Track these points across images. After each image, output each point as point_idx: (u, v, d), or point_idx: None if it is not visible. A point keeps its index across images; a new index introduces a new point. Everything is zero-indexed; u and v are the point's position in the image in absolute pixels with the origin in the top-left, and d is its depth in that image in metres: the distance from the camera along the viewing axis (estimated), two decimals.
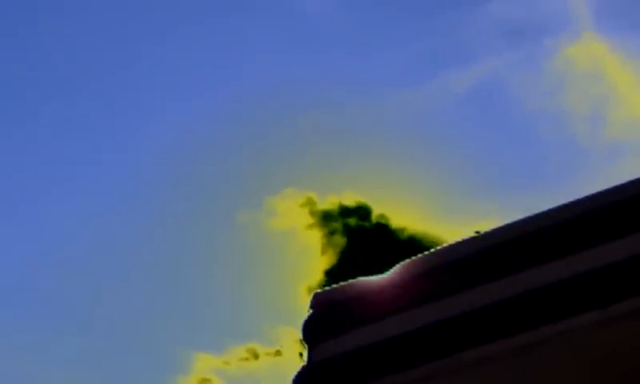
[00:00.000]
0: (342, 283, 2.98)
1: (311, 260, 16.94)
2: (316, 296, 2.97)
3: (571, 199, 2.83)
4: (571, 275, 2.68)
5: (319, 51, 16.59)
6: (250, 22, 15.79)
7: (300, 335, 2.95)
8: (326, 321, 2.94)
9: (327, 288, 3.00)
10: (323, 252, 16.53)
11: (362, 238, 16.29)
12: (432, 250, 2.91)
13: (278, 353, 16.41)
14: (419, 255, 2.90)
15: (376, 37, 16.04)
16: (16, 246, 16.25)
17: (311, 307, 2.97)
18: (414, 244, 15.28)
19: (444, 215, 16.18)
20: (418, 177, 16.31)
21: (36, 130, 15.81)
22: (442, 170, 16.19)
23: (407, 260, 2.90)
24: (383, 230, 16.12)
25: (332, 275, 15.92)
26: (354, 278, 3.00)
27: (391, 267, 2.91)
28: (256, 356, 16.21)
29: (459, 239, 2.87)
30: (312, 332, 2.95)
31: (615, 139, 16.03)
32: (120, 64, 15.73)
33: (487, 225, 2.92)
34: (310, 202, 16.48)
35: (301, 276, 17.18)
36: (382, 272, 2.94)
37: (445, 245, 2.89)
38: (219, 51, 16.39)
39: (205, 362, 16.45)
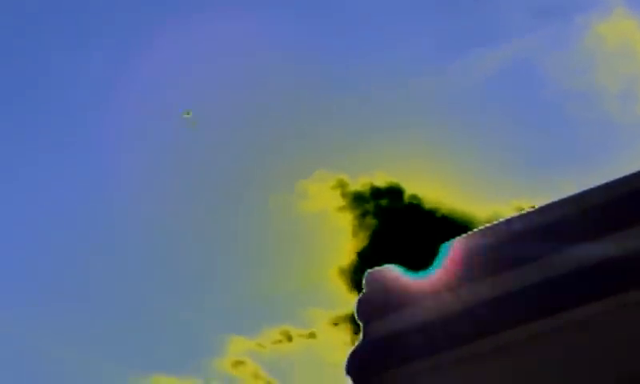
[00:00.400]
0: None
1: (343, 242, 17.00)
2: (370, 275, 3.03)
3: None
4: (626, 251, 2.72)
5: (349, 34, 16.60)
6: (279, 6, 15.82)
7: (354, 313, 3.01)
8: (380, 299, 3.00)
9: (380, 267, 3.06)
10: (355, 234, 16.58)
11: (393, 219, 16.31)
12: (481, 227, 2.96)
13: (311, 335, 16.49)
14: (468, 233, 2.95)
15: (405, 18, 16.04)
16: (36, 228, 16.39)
17: (365, 286, 3.03)
18: (447, 223, 15.27)
19: (476, 194, 16.19)
20: (449, 156, 16.31)
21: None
22: (472, 150, 16.19)
23: (458, 238, 2.96)
24: (416, 209, 16.13)
25: (364, 257, 15.98)
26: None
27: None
28: (289, 338, 16.30)
29: (509, 216, 2.92)
30: (366, 310, 3.01)
31: None
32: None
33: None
34: (341, 184, 16.51)
35: (333, 258, 17.25)
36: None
37: (495, 222, 2.94)
38: (247, 36, 16.43)
39: (239, 345, 16.57)
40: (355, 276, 15.69)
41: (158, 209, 16.65)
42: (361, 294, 3.03)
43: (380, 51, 16.26)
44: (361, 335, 2.98)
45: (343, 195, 16.58)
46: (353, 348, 2.98)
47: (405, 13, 16.12)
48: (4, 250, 16.29)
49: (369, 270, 3.05)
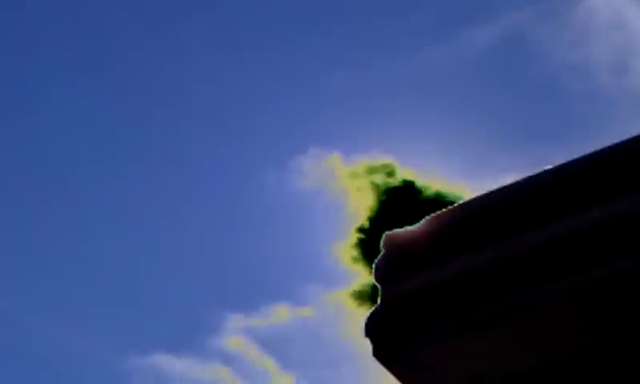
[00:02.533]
0: (413, 225, 3.03)
1: (340, 219, 17.01)
2: (388, 236, 3.03)
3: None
4: (606, 219, 2.73)
5: (344, 11, 16.57)
6: None
7: (372, 276, 3.01)
8: (398, 261, 3.00)
9: (398, 229, 3.06)
10: (352, 210, 16.60)
11: (389, 196, 16.34)
12: (498, 187, 2.96)
13: (309, 312, 16.52)
14: (488, 191, 2.95)
15: None
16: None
17: (382, 247, 3.03)
18: (439, 201, 15.31)
19: (469, 171, 16.21)
20: (443, 134, 16.32)
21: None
22: (467, 126, 16.20)
23: (474, 197, 2.97)
24: (410, 187, 16.16)
25: (361, 233, 15.99)
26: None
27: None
28: (287, 315, 16.33)
29: (525, 175, 2.93)
30: (384, 272, 3.01)
31: (639, 89, 15.98)
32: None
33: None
34: (335, 162, 16.52)
35: (330, 235, 17.26)
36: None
37: (510, 182, 2.94)
38: (246, 9, 16.38)
39: (236, 322, 16.60)
40: (352, 252, 15.71)
41: (153, 184, 16.63)
42: (378, 256, 3.03)
43: (376, 29, 16.24)
44: (379, 298, 2.99)
45: (338, 172, 16.60)
46: (371, 310, 2.98)
47: None
48: None
49: (386, 232, 3.05)
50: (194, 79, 16.62)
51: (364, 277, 16.12)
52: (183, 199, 16.97)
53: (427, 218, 3.00)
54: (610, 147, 2.88)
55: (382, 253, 3.03)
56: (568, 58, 16.26)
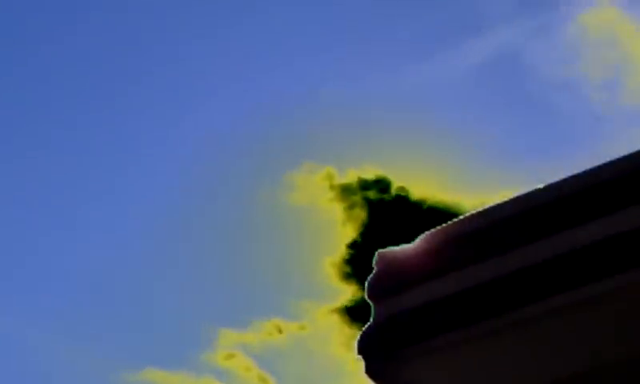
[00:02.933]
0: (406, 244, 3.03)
1: (332, 234, 17.01)
2: (380, 254, 3.03)
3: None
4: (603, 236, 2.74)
5: (334, 25, 16.61)
6: None
7: (365, 293, 3.01)
8: (391, 278, 2.99)
9: (391, 247, 3.05)
10: (344, 225, 16.59)
11: (382, 211, 16.34)
12: (492, 205, 2.96)
13: (302, 327, 16.50)
14: (482, 209, 2.95)
15: (390, 9, 16.04)
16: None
17: (375, 265, 3.03)
18: (433, 215, 15.32)
19: (462, 186, 16.22)
20: (436, 148, 16.34)
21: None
22: (459, 141, 16.22)
23: (470, 214, 2.97)
24: (403, 202, 16.16)
25: (354, 248, 15.99)
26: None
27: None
28: (280, 331, 16.31)
29: (520, 193, 2.93)
30: (376, 290, 3.00)
31: (631, 105, 16.03)
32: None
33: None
34: (328, 176, 16.52)
35: (323, 250, 17.25)
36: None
37: (505, 200, 2.94)
38: (237, 17, 16.40)
39: (229, 338, 16.57)
40: (344, 268, 15.70)
41: (146, 201, 16.62)
42: (371, 274, 3.02)
43: (367, 43, 16.27)
44: (372, 315, 2.98)
45: (331, 187, 16.60)
46: (364, 328, 2.98)
47: (390, 5, 16.13)
48: None
49: (379, 250, 3.04)
50: (187, 90, 16.62)
51: (357, 293, 16.09)
52: (175, 213, 16.95)
53: (420, 236, 3.00)
54: (606, 164, 2.89)
55: (374, 270, 3.03)
56: (560, 74, 16.29)
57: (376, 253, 3.04)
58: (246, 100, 16.49)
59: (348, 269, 16.02)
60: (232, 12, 16.34)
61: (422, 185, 16.45)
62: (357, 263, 16.03)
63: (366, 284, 3.01)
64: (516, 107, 16.79)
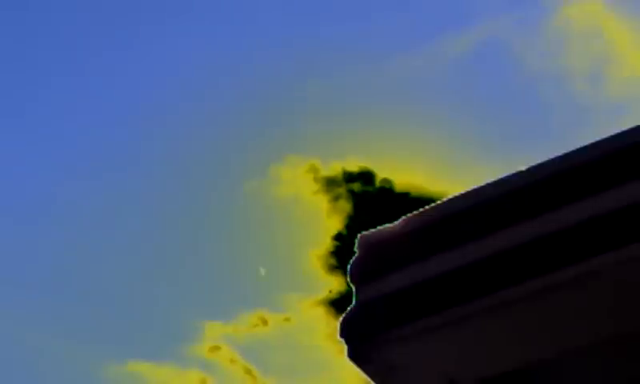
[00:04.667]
0: (388, 224, 3.03)
1: (317, 226, 17.02)
2: (362, 237, 3.03)
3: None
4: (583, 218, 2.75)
5: (317, 17, 16.60)
6: None
7: (347, 277, 3.01)
8: (372, 261, 3.00)
9: (373, 229, 3.06)
10: (329, 218, 16.60)
11: (367, 202, 16.35)
12: (477, 187, 2.97)
13: (286, 319, 16.52)
14: (463, 192, 2.96)
15: (375, 0, 16.04)
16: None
17: (357, 248, 3.03)
18: (418, 206, 15.30)
19: (446, 178, 16.24)
20: (420, 140, 16.36)
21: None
22: (443, 133, 16.24)
23: (450, 197, 2.97)
24: (388, 193, 16.18)
25: (339, 240, 16.00)
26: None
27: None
28: (265, 323, 16.32)
29: (500, 177, 2.93)
30: (358, 273, 3.00)
31: (615, 97, 16.08)
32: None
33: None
34: (313, 169, 16.52)
35: (308, 242, 17.25)
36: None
37: (490, 181, 2.95)
38: (220, 15, 16.38)
39: (215, 330, 16.57)
40: (329, 260, 15.71)
41: (131, 193, 16.59)
42: (353, 258, 3.02)
43: (350, 35, 16.26)
44: (354, 299, 2.98)
45: (316, 180, 16.60)
46: (346, 312, 2.98)
47: None
48: None
49: (361, 233, 3.05)
50: (174, 86, 16.60)
51: (342, 284, 16.11)
52: (160, 206, 16.93)
53: (402, 218, 3.01)
54: (592, 144, 2.89)
55: (356, 253, 3.03)
56: (545, 65, 16.33)
57: (358, 235, 3.04)
58: (230, 94, 16.48)
59: (333, 261, 16.03)
60: (212, 6, 16.33)
61: (407, 176, 16.47)
62: (342, 255, 16.05)
63: (348, 267, 3.02)
64: (501, 98, 16.82)
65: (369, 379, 3.00)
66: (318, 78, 16.27)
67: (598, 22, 15.90)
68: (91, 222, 16.47)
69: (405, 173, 16.66)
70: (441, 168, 16.54)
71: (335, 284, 16.23)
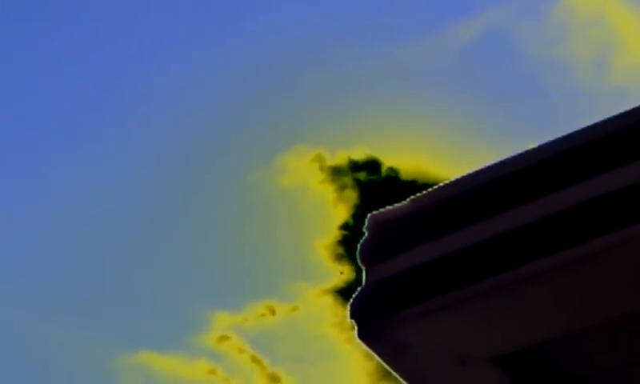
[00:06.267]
0: (398, 203, 3.02)
1: (324, 216, 17.01)
2: (372, 217, 3.02)
3: None
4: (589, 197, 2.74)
5: (323, 6, 16.57)
6: None
7: (357, 257, 2.99)
8: (382, 241, 2.98)
9: (382, 209, 3.04)
10: (336, 207, 16.59)
11: (373, 191, 16.34)
12: (489, 164, 2.95)
13: (294, 308, 16.52)
14: (475, 169, 2.94)
15: None
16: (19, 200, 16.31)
17: (367, 228, 3.02)
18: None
19: (452, 165, 16.22)
20: (425, 129, 16.34)
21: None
22: (448, 121, 16.22)
23: (462, 175, 2.96)
24: (394, 182, 16.16)
25: (346, 229, 15.99)
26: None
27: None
28: (273, 312, 16.32)
29: (514, 154, 2.92)
30: (368, 253, 2.99)
31: (619, 85, 16.04)
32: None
33: None
34: (319, 158, 16.50)
35: (315, 232, 17.24)
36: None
37: (499, 160, 2.93)
38: (226, 2, 16.36)
39: (223, 320, 16.57)
40: (337, 249, 15.71)
41: (138, 182, 16.60)
42: (363, 238, 3.01)
43: (355, 25, 16.24)
44: (364, 279, 2.97)
45: (322, 169, 16.58)
46: (356, 293, 2.96)
47: None
48: None
49: (371, 213, 3.03)
50: (181, 74, 16.59)
51: (349, 274, 16.10)
52: (166, 196, 16.92)
53: (412, 197, 2.99)
54: (593, 125, 2.88)
55: (366, 234, 3.02)
56: (548, 52, 16.29)
57: (368, 215, 3.03)
58: (236, 83, 16.45)
59: (340, 250, 16.02)
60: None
61: (413, 165, 16.46)
62: (349, 244, 16.04)
63: (358, 247, 3.00)
64: (506, 86, 16.79)
65: (379, 359, 2.99)
66: (324, 67, 16.25)
67: (602, 8, 15.87)
68: (97, 212, 16.48)
69: (411, 161, 16.63)
70: (446, 156, 16.51)
71: (343, 273, 16.21)
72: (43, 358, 16.06)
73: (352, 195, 16.48)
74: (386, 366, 2.99)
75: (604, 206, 2.72)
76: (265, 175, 16.56)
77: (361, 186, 16.48)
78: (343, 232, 16.11)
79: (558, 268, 2.74)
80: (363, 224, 3.06)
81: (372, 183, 16.51)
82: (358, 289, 2.97)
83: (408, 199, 2.99)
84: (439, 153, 16.64)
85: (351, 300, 2.96)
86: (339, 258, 16.00)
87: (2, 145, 16.31)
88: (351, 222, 16.18)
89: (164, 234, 16.85)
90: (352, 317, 2.93)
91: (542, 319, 2.87)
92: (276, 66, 16.24)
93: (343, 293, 15.87)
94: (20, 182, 16.58)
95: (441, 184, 2.99)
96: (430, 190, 2.99)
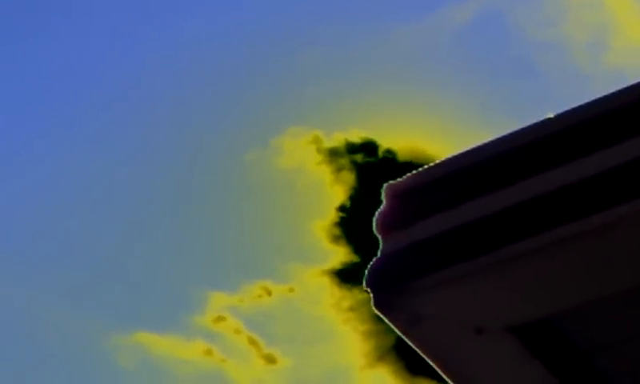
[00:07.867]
0: (414, 171, 3.02)
1: (321, 197, 17.01)
2: (388, 187, 3.02)
3: None
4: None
5: None
6: None
7: (373, 227, 3.00)
8: (398, 211, 2.98)
9: (399, 178, 3.04)
10: (332, 189, 16.59)
11: (370, 173, 16.34)
12: (504, 135, 2.95)
13: (290, 289, 16.53)
14: (492, 139, 2.94)
15: None
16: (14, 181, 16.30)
17: (384, 198, 3.02)
18: None
19: (449, 146, 16.23)
20: (422, 110, 16.35)
21: None
22: (445, 103, 16.22)
23: (474, 147, 2.96)
24: (391, 163, 16.16)
25: (343, 211, 16.01)
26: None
27: None
28: (269, 293, 16.34)
29: (531, 124, 2.92)
30: (384, 223, 2.99)
31: (615, 66, 16.05)
32: None
33: None
34: (316, 140, 16.49)
35: (311, 213, 17.24)
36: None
37: (517, 130, 2.93)
38: None
39: (219, 301, 16.59)
40: (333, 230, 15.72)
41: (134, 163, 16.58)
42: (379, 207, 3.01)
43: (351, 5, 16.21)
44: (380, 249, 2.97)
45: (318, 151, 16.58)
46: (372, 262, 2.97)
47: None
48: None
49: (388, 182, 3.03)
50: (177, 56, 16.55)
51: (346, 255, 16.12)
52: (163, 177, 16.92)
53: (427, 166, 2.99)
54: (605, 97, 2.89)
55: (382, 203, 3.02)
56: (544, 35, 16.29)
57: (384, 185, 3.03)
58: (232, 64, 16.42)
59: (337, 231, 16.02)
60: None
61: (410, 146, 16.45)
62: (346, 226, 16.04)
63: (375, 217, 3.00)
64: (502, 67, 16.78)
65: (394, 328, 3.00)
66: (320, 48, 16.22)
67: None
68: (94, 192, 16.46)
69: (408, 143, 16.62)
70: (443, 137, 16.51)
71: (339, 255, 16.22)
72: (39, 338, 16.07)
73: (349, 177, 16.48)
74: (401, 336, 2.99)
75: (621, 175, 2.73)
76: (261, 157, 16.56)
77: (358, 167, 16.48)
78: (340, 214, 16.12)
79: (574, 238, 2.74)
80: (360, 205, 3.06)
81: (369, 165, 16.51)
82: (374, 258, 2.97)
83: (424, 167, 2.99)
84: (436, 134, 16.64)
85: (367, 269, 2.96)
86: (336, 239, 16.01)
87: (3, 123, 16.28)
88: (348, 203, 16.20)
89: (161, 214, 16.85)
90: (367, 286, 2.93)
91: (557, 289, 2.88)
92: (272, 47, 16.21)
93: (340, 274, 15.89)
94: (18, 160, 16.56)
95: (457, 153, 2.99)
96: (446, 158, 2.99)
